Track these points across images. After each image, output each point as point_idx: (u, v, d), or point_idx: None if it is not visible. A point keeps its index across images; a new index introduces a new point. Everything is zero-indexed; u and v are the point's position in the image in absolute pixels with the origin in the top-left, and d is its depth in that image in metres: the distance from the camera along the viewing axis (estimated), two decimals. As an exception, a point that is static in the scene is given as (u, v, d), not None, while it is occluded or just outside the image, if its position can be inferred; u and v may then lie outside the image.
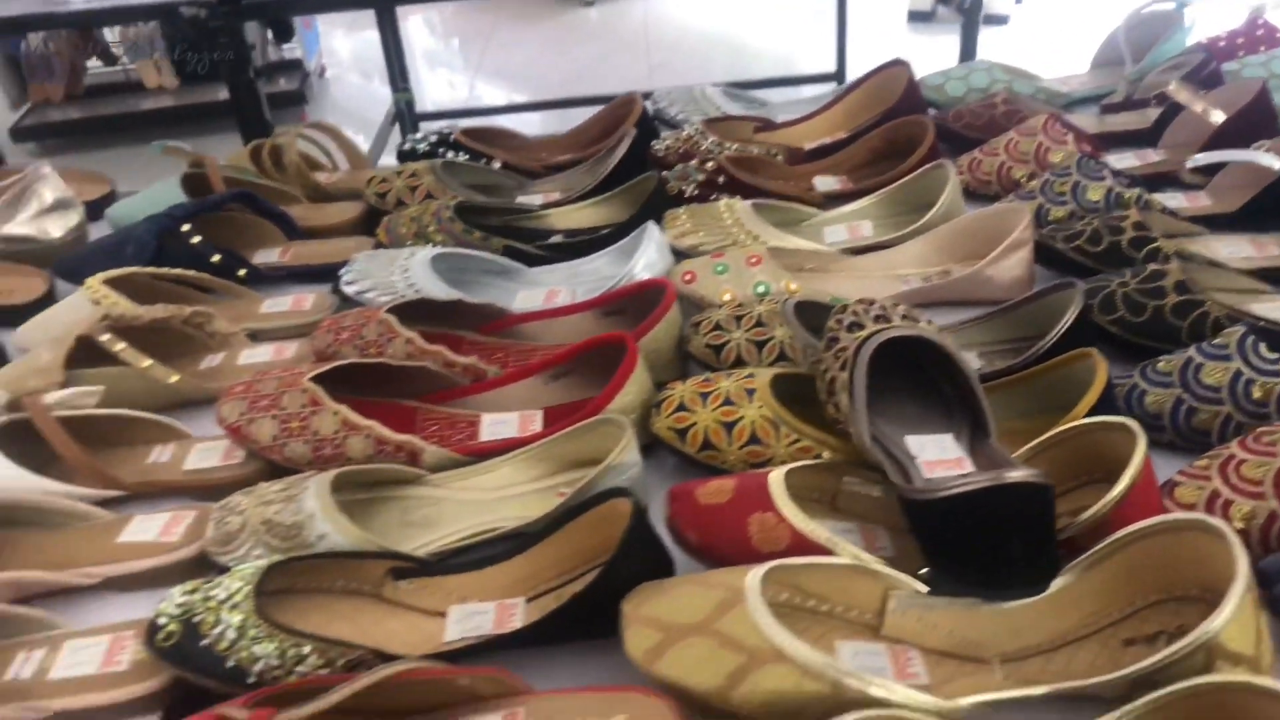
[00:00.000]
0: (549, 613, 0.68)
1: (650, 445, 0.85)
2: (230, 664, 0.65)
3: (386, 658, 0.65)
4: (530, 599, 0.73)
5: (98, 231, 1.35)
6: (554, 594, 0.73)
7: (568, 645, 0.69)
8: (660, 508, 0.74)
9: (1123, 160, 1.22)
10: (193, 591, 0.69)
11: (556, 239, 1.17)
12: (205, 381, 0.99)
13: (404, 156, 1.40)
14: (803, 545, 0.68)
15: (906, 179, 1.16)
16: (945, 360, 0.78)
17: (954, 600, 0.65)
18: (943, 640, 0.65)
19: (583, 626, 0.68)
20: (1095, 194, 1.08)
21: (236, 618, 0.66)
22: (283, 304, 1.11)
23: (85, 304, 1.07)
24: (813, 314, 0.91)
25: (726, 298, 0.98)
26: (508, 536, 0.77)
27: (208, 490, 0.87)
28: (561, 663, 0.69)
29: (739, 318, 0.91)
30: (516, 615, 0.71)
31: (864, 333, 0.77)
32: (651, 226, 1.03)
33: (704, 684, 0.59)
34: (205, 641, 0.66)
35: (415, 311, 0.98)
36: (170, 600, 0.69)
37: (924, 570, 0.67)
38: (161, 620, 0.68)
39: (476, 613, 0.72)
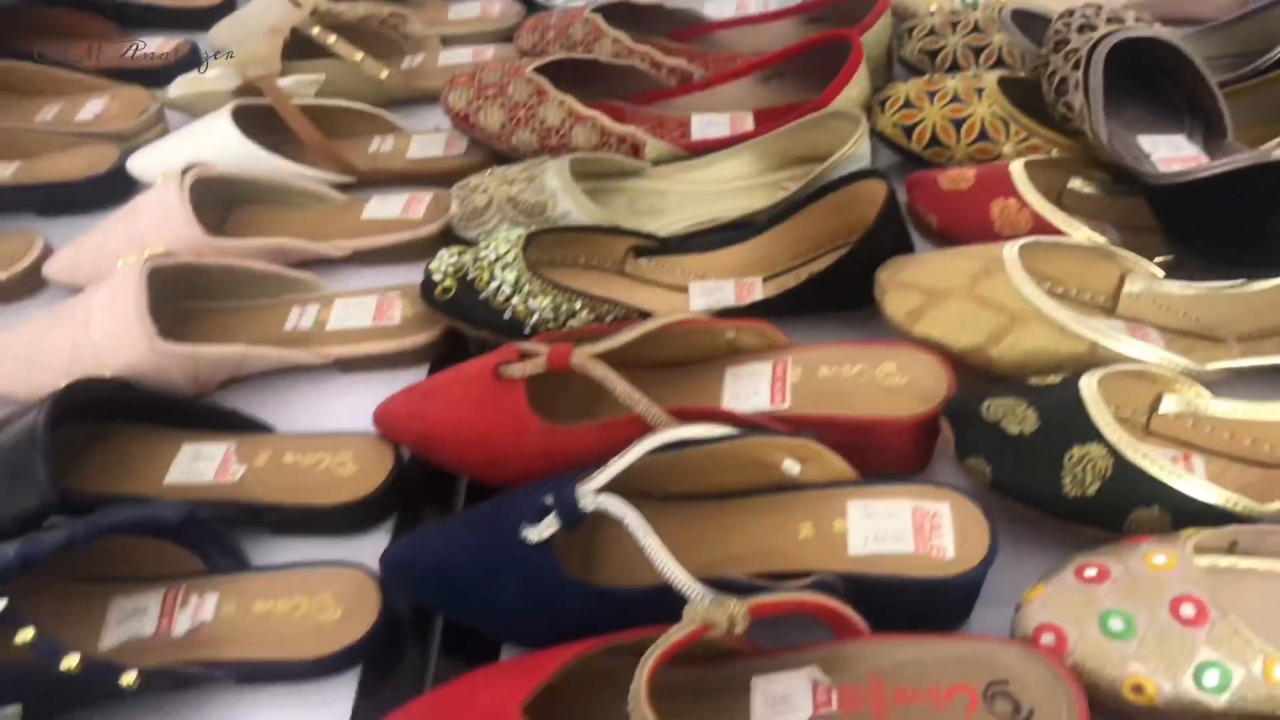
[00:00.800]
0: (798, 284, 0.72)
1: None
2: (507, 315, 0.71)
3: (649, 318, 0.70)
4: (766, 279, 0.77)
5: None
6: (791, 274, 0.77)
7: (808, 318, 0.73)
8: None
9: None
10: (461, 253, 0.74)
11: (739, -49, 1.14)
12: (411, 80, 1.01)
13: None
14: (1041, 232, 0.71)
15: (1109, -106, 1.10)
16: (1177, 64, 0.77)
17: (1190, 284, 0.68)
18: (1178, 321, 0.68)
19: (825, 299, 0.72)
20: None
21: (510, 275, 0.71)
22: (471, 9, 1.11)
23: (275, 4, 1.08)
24: (1027, 24, 0.90)
25: (934, 7, 0.97)
26: (735, 225, 0.81)
27: (432, 178, 0.91)
28: (805, 333, 0.71)
29: (954, 23, 0.90)
30: (756, 290, 0.75)
31: (1097, 33, 0.77)
32: (855, -68, 1.00)
33: (964, 341, 0.64)
34: (482, 295, 0.71)
35: (611, 14, 0.98)
36: (441, 260, 0.74)
37: (1160, 259, 0.70)
38: (436, 277, 0.73)
39: (716, 289, 0.76)
